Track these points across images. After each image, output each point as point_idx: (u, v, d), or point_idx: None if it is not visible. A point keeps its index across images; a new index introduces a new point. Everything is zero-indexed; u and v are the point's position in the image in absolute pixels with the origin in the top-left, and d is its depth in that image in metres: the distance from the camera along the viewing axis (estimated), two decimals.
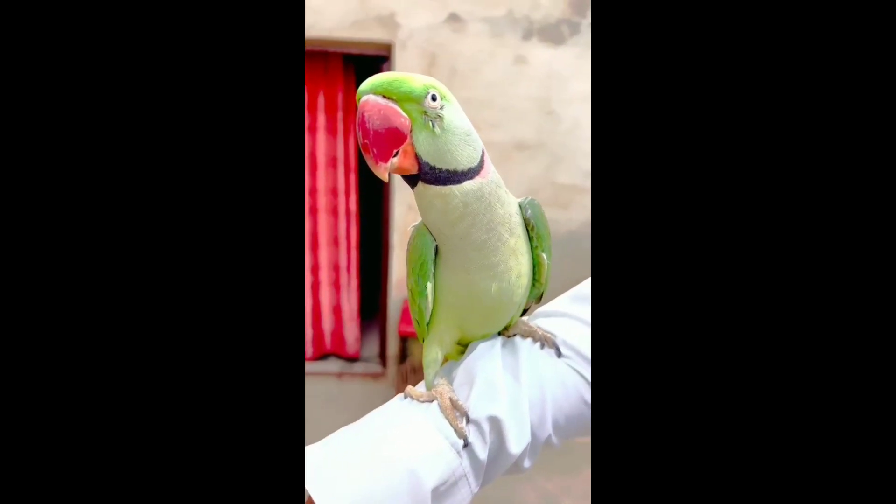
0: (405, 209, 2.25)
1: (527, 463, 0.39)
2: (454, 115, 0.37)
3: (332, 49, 2.20)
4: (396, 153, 0.35)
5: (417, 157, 0.36)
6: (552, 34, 2.21)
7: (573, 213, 2.23)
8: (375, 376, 2.36)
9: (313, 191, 2.39)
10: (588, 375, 0.40)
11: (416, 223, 0.41)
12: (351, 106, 2.34)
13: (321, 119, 2.36)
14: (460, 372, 0.41)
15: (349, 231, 2.44)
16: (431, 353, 0.41)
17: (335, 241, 2.44)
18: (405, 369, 2.03)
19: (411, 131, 0.35)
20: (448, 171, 0.37)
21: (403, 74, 0.36)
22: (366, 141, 0.35)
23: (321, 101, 2.34)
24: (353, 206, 2.44)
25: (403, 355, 2.07)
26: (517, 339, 0.43)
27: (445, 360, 0.44)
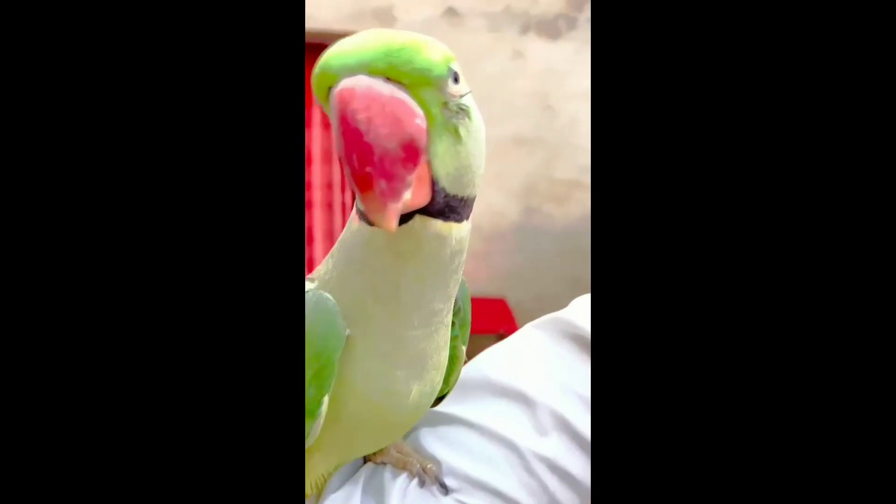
0: None
1: None
2: (473, 106, 0.26)
3: (327, 42, 2.17)
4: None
5: (433, 183, 0.23)
6: (550, 29, 2.20)
7: (570, 208, 2.23)
8: None
9: (308, 185, 2.37)
10: None
11: (312, 288, 0.28)
12: None
13: (316, 114, 2.33)
14: None
15: (345, 226, 2.42)
16: None
17: (330, 237, 2.42)
18: None
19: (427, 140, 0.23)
20: (462, 199, 0.25)
21: (409, 37, 0.23)
22: (367, 169, 0.21)
23: None
24: (349, 201, 2.42)
25: None
26: (386, 475, 0.30)
27: None
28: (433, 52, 0.23)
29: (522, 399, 0.30)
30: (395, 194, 0.21)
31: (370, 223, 0.25)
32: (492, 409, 0.31)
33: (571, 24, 2.21)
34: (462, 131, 0.24)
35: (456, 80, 0.24)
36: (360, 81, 0.21)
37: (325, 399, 0.26)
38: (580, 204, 2.24)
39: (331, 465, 0.31)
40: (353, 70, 0.22)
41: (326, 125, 2.36)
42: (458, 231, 0.25)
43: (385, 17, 2.13)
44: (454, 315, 0.29)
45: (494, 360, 0.33)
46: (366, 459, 0.33)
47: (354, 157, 0.21)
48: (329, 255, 0.29)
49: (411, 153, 0.21)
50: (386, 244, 0.25)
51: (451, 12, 2.17)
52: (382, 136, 0.21)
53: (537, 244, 2.22)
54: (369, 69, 0.22)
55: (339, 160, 0.22)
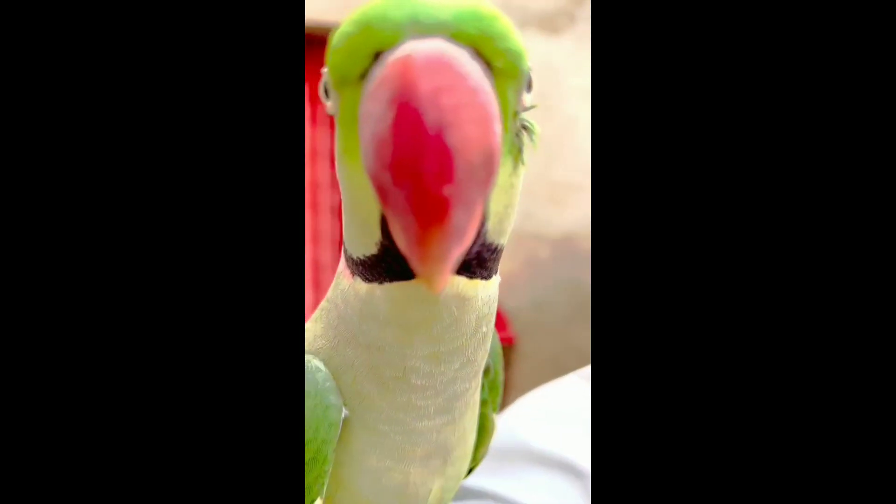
0: None
1: None
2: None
3: (317, 33, 2.07)
4: None
5: (482, 224, 0.18)
6: (549, 24, 2.15)
7: (569, 211, 2.18)
8: None
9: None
10: None
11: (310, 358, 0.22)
12: None
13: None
14: None
15: (332, 227, 2.36)
16: None
17: (316, 238, 2.34)
18: None
19: None
20: (496, 249, 0.20)
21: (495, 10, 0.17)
22: (444, 191, 0.14)
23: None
24: (336, 202, 2.34)
25: None
26: None
27: None
28: (514, 33, 0.17)
29: (571, 470, 0.26)
30: (466, 237, 0.14)
31: (368, 279, 0.18)
32: (535, 483, 0.26)
33: (571, 19, 2.16)
34: (524, 157, 0.19)
35: (530, 86, 0.18)
36: (443, 49, 0.14)
37: (321, 496, 0.20)
38: (579, 207, 2.19)
39: None
40: (426, 29, 0.15)
41: (312, 121, 2.25)
42: (486, 290, 0.20)
43: None
44: (483, 377, 0.23)
45: (533, 422, 0.28)
46: None
47: (423, 167, 0.13)
48: (314, 317, 0.22)
49: (490, 176, 0.14)
50: (390, 313, 0.19)
51: None
52: (471, 142, 0.13)
53: (533, 249, 2.17)
54: (453, 32, 0.15)
55: (374, 171, 0.14)
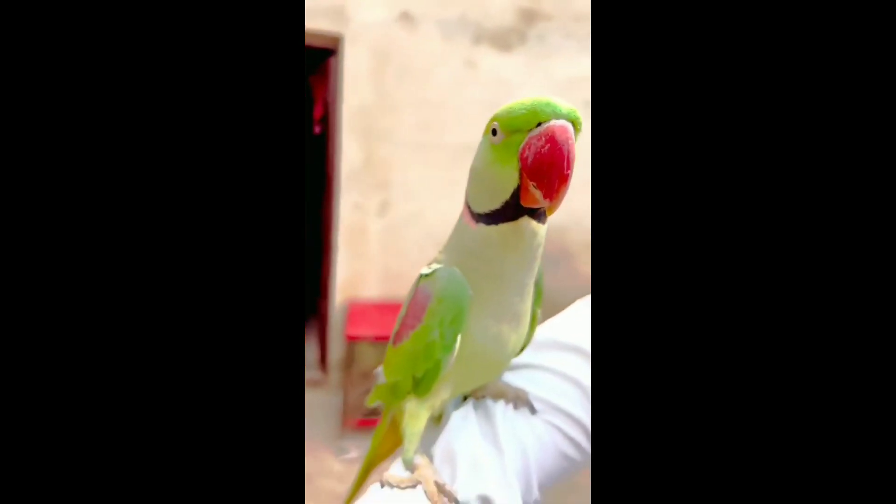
0: (351, 208, 2.17)
1: None
2: None
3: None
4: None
5: None
6: (501, 41, 2.24)
7: None
8: (316, 384, 2.24)
9: None
10: (563, 426, 0.39)
11: (436, 266, 0.37)
12: None
13: None
14: (438, 450, 0.38)
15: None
16: (419, 422, 0.38)
17: None
18: (353, 375, 1.95)
19: None
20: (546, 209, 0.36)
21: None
22: (564, 186, 0.31)
23: None
24: None
25: (349, 361, 1.99)
26: (488, 402, 0.40)
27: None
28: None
29: (580, 352, 0.41)
30: (562, 197, 0.32)
31: (487, 224, 0.34)
32: (559, 358, 0.41)
33: (522, 38, 2.26)
34: None
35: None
36: (566, 124, 0.31)
37: (458, 338, 0.36)
38: None
39: (450, 395, 0.40)
40: (559, 115, 0.31)
41: None
42: (542, 229, 0.35)
43: (338, 16, 2.09)
44: (535, 287, 0.39)
45: (556, 326, 0.43)
46: (465, 399, 0.42)
47: (560, 171, 0.31)
48: (444, 248, 0.38)
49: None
50: (499, 239, 0.34)
51: (406, 17, 2.15)
52: (573, 159, 0.31)
53: None
54: (571, 118, 0.32)
55: (529, 171, 0.32)
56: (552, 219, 0.35)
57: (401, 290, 2.19)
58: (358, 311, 2.10)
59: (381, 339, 1.86)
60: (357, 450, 1.85)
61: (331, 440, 1.91)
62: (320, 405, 2.08)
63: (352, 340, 1.94)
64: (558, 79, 2.23)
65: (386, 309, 2.10)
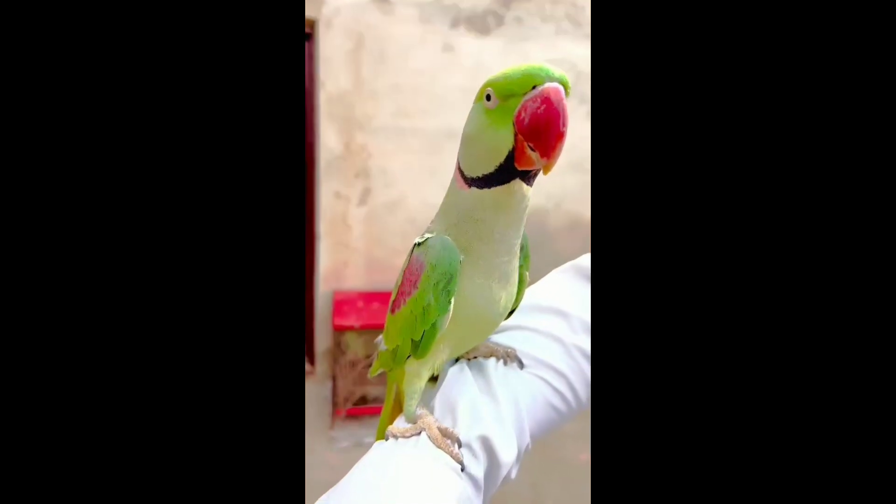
0: (332, 198, 2.15)
1: (514, 473, 0.41)
2: None
3: None
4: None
5: None
6: (479, 24, 2.22)
7: None
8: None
9: None
10: (550, 379, 0.42)
11: (428, 235, 0.39)
12: None
13: None
14: (438, 401, 0.41)
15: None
16: (420, 381, 0.41)
17: None
18: (344, 364, 1.94)
19: None
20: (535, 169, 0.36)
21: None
22: (560, 142, 0.32)
23: None
24: None
25: (337, 351, 1.98)
26: (481, 359, 0.43)
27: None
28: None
29: (561, 314, 0.45)
30: (558, 156, 0.33)
31: (480, 187, 0.36)
32: (542, 320, 0.45)
33: (499, 20, 2.24)
34: None
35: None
36: (559, 86, 0.32)
37: (452, 300, 0.38)
38: None
39: (447, 356, 0.42)
40: (552, 79, 0.33)
41: None
42: (529, 192, 0.37)
43: (310, 0, 2.04)
44: (521, 251, 0.42)
45: (537, 292, 0.47)
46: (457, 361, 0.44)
47: (556, 129, 0.32)
48: (437, 215, 0.40)
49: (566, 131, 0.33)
50: (492, 200, 0.36)
51: None
52: (567, 118, 0.32)
53: None
54: (562, 82, 0.33)
55: (526, 132, 0.33)
56: (532, 202, 0.36)
57: (385, 278, 2.18)
58: (343, 300, 2.09)
59: (368, 328, 1.86)
60: (347, 440, 1.86)
61: (321, 430, 1.91)
62: (308, 396, 2.07)
63: (339, 330, 1.93)
64: (536, 61, 2.21)
65: (371, 297, 2.09)
